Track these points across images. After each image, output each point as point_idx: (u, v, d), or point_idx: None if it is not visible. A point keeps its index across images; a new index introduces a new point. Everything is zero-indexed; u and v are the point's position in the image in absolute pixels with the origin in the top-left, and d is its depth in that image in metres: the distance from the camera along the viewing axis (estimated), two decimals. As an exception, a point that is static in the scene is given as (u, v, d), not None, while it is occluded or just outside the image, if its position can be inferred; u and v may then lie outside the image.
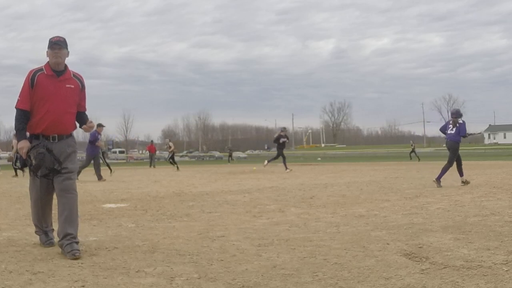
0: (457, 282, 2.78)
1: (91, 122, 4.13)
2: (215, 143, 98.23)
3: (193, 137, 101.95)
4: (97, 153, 14.41)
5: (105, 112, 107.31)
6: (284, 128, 20.06)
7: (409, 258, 3.38)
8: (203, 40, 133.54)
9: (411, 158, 35.55)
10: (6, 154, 32.38)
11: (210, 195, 8.62)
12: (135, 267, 3.29)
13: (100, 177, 13.88)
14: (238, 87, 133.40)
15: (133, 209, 6.70)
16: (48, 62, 3.90)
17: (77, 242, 3.70)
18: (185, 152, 78.00)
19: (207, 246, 4.00)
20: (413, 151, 35.73)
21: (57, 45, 3.86)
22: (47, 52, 3.89)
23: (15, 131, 3.99)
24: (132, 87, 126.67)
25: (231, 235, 4.50)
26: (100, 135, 14.69)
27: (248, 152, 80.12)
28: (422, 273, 2.98)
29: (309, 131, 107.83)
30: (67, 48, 3.91)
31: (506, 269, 3.00)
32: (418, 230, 4.46)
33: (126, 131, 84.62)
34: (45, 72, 3.84)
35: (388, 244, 3.89)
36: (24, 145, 3.81)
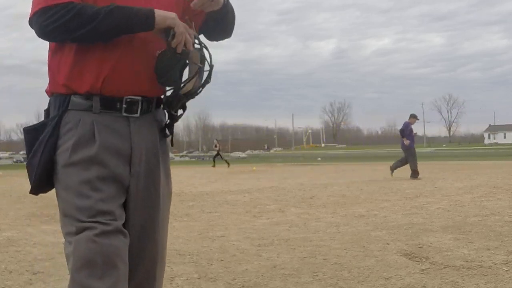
0: (457, 282, 2.78)
1: None
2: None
3: (193, 137, 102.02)
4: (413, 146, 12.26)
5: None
6: None
7: (409, 258, 3.38)
8: (203, 39, 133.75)
9: (214, 165, 24.84)
10: (6, 154, 32.45)
11: (210, 195, 8.62)
12: (135, 267, 3.29)
13: (416, 174, 11.81)
14: (238, 87, 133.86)
15: (133, 209, 6.69)
16: None
17: None
18: (185, 152, 77.99)
19: (207, 246, 3.99)
20: (218, 154, 25.75)
21: None
22: None
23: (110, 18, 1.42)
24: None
25: (231, 235, 4.50)
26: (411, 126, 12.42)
27: (248, 152, 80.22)
28: (422, 273, 2.98)
29: (309, 131, 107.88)
30: None
31: (506, 269, 3.00)
32: (418, 230, 4.46)
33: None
34: None
35: (388, 244, 3.89)
36: (179, 22, 1.48)
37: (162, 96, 1.60)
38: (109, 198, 1.43)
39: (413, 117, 12.72)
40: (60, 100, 1.49)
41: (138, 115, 1.50)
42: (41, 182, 1.49)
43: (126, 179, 1.48)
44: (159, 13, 1.43)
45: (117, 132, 1.47)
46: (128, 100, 1.48)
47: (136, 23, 1.42)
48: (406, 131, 12.27)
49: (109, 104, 1.47)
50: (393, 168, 12.83)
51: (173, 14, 1.44)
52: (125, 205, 1.49)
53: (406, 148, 12.42)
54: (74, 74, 1.46)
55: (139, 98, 1.50)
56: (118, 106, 1.47)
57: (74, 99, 1.47)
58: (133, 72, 1.48)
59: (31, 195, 1.59)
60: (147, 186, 1.53)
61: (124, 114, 1.48)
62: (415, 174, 11.87)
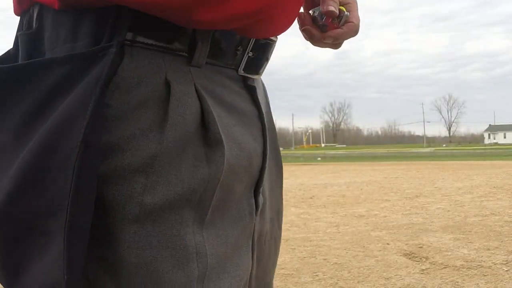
0: (457, 282, 2.78)
1: None
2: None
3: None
4: None
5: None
6: None
7: (409, 258, 3.38)
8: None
9: None
10: None
11: (210, 195, 8.62)
12: (135, 267, 3.29)
13: None
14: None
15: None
16: None
17: None
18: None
19: (207, 246, 4.00)
20: None
21: None
22: None
23: None
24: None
25: (231, 235, 4.50)
26: None
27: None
28: (422, 273, 2.98)
29: (309, 131, 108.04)
30: None
31: (506, 269, 3.00)
32: (418, 230, 4.46)
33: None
34: None
35: (388, 244, 3.89)
36: None
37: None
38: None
39: None
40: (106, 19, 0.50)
41: (259, 76, 0.69)
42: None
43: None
44: None
45: (241, 114, 0.61)
46: (263, 42, 0.63)
47: None
48: None
49: (224, 47, 0.58)
50: None
51: None
52: None
53: None
54: None
55: (275, 40, 0.67)
56: (238, 52, 0.60)
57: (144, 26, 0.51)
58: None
59: None
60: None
61: (242, 72, 0.62)
62: None
